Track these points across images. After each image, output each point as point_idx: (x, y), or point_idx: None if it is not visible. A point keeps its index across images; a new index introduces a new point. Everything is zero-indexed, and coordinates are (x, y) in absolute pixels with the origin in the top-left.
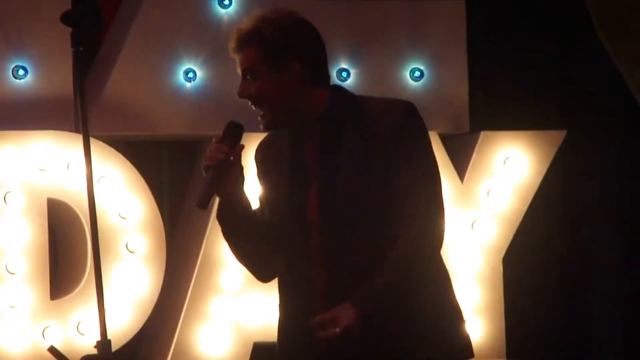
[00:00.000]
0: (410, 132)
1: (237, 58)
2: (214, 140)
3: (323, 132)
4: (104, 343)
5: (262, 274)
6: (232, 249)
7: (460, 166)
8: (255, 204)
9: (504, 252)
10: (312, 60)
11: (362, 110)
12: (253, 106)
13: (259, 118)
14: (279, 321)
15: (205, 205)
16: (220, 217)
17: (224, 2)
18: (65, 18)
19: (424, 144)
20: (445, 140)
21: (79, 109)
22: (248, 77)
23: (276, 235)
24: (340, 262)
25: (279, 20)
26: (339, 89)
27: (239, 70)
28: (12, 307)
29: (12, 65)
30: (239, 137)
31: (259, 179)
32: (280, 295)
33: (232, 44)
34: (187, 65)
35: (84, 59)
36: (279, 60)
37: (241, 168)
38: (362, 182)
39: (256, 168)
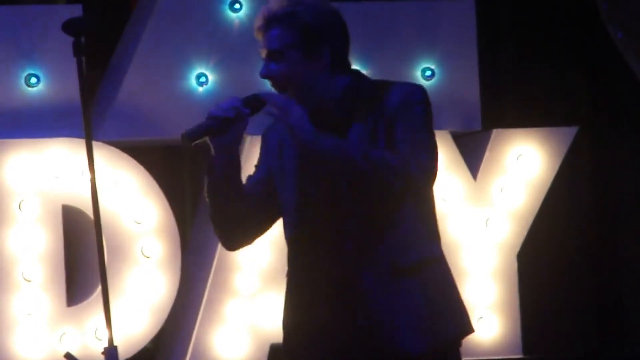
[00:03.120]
0: (413, 106)
1: (262, 37)
2: (232, 97)
3: (336, 115)
4: (110, 350)
5: (230, 240)
6: (210, 208)
7: (473, 164)
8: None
9: (518, 248)
10: (340, 48)
11: (374, 92)
12: (274, 87)
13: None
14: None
15: (191, 138)
16: (208, 171)
17: (235, 7)
18: (66, 27)
19: (424, 115)
20: (457, 138)
21: (82, 118)
22: (274, 58)
23: (275, 207)
24: (344, 239)
25: (313, 4)
26: (357, 74)
27: (262, 53)
28: (29, 314)
29: (25, 74)
30: (258, 110)
31: (262, 155)
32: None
33: (259, 22)
34: (199, 70)
35: (94, 67)
36: (312, 46)
37: (242, 134)
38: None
39: (261, 147)
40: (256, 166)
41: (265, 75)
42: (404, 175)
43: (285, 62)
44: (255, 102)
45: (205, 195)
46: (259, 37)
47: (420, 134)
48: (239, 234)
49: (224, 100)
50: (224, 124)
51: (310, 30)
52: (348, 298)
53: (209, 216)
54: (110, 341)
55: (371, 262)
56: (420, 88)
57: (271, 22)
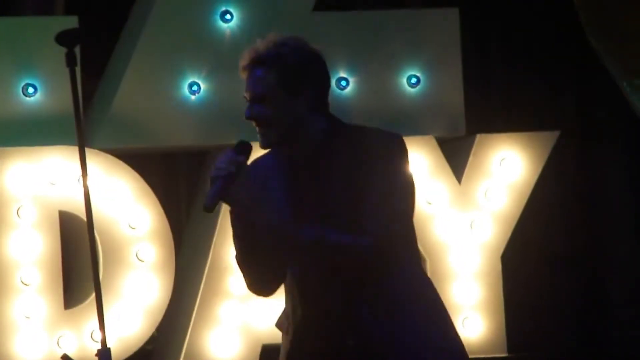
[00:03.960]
0: (390, 159)
1: (246, 77)
2: (224, 151)
3: (318, 158)
4: (103, 351)
5: (268, 288)
6: (246, 263)
7: (458, 168)
8: None
9: (502, 250)
10: (321, 89)
11: (355, 139)
12: (258, 127)
13: (259, 136)
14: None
15: (212, 206)
16: (234, 230)
17: (226, 17)
18: (59, 39)
19: (401, 168)
20: (442, 143)
21: (75, 127)
22: (257, 100)
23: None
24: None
25: (297, 46)
26: (335, 118)
27: (246, 95)
28: (27, 317)
29: (22, 84)
30: (249, 154)
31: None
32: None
33: (244, 62)
34: (191, 79)
35: (90, 76)
36: (296, 86)
37: (245, 179)
38: (348, 206)
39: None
40: None
41: (249, 117)
42: (379, 257)
43: (268, 103)
44: (245, 147)
45: (237, 256)
46: (243, 75)
47: (393, 198)
48: (275, 277)
49: (218, 159)
50: (231, 179)
51: (294, 71)
52: (345, 331)
53: (245, 276)
54: (104, 342)
55: (368, 296)
56: (398, 139)
57: (256, 62)
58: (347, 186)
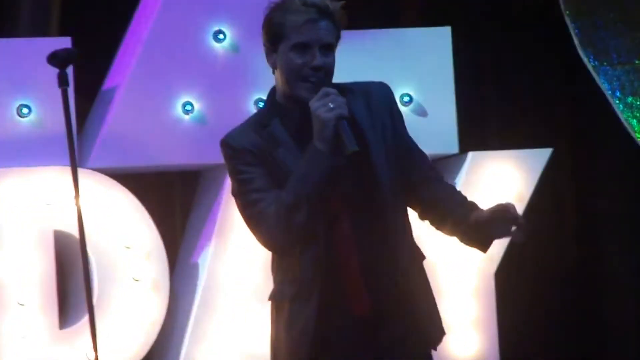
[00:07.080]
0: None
1: (315, 28)
2: (327, 92)
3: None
4: None
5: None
6: (304, 203)
7: None
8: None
9: (495, 267)
10: None
11: (351, 88)
12: (316, 79)
13: (311, 87)
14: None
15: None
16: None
17: (219, 37)
18: (51, 59)
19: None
20: (435, 162)
21: (68, 147)
22: (323, 50)
23: None
24: (369, 239)
25: (341, 2)
26: None
27: (314, 43)
28: (23, 337)
29: (17, 104)
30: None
31: (257, 162)
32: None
33: (313, 14)
34: (185, 99)
35: (86, 96)
36: (338, 40)
37: None
38: (382, 147)
39: (245, 156)
40: (254, 177)
41: (320, 65)
42: None
43: (330, 54)
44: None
45: (310, 194)
46: (304, 24)
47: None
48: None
49: (322, 100)
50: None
51: (342, 25)
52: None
53: (304, 214)
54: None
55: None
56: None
57: (325, 13)
58: (379, 135)
